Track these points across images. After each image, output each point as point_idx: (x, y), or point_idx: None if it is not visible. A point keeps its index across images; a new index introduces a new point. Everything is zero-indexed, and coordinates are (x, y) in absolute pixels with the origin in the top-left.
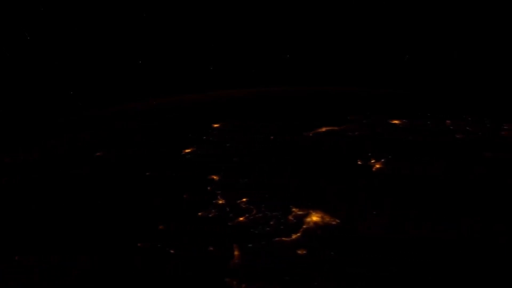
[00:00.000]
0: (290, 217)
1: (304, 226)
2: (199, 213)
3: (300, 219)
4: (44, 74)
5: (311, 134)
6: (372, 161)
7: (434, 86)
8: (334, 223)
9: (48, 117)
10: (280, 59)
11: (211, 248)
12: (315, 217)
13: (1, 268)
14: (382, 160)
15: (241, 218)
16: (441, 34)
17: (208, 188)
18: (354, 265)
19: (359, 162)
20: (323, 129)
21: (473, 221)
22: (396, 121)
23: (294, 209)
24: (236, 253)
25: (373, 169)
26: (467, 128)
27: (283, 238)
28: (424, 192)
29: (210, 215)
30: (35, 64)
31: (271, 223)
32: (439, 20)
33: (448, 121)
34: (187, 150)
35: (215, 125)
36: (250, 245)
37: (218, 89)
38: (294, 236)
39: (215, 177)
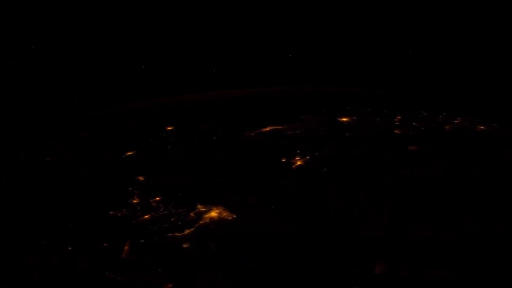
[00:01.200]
0: (192, 214)
1: (200, 222)
2: (110, 212)
3: (200, 216)
4: (44, 75)
5: (253, 134)
6: (297, 158)
7: (434, 85)
8: (230, 218)
9: (48, 117)
10: (280, 59)
11: (105, 244)
12: (213, 213)
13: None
14: (307, 157)
15: (146, 216)
16: (441, 34)
17: (129, 188)
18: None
19: (283, 160)
20: (268, 128)
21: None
22: (345, 119)
23: (199, 206)
24: (126, 248)
25: (293, 167)
26: (413, 123)
27: (176, 234)
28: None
29: (119, 214)
30: (35, 64)
31: (172, 220)
32: (439, 21)
33: (398, 117)
34: (128, 153)
35: (168, 128)
36: (142, 240)
37: (219, 89)
38: (186, 232)
39: (141, 178)
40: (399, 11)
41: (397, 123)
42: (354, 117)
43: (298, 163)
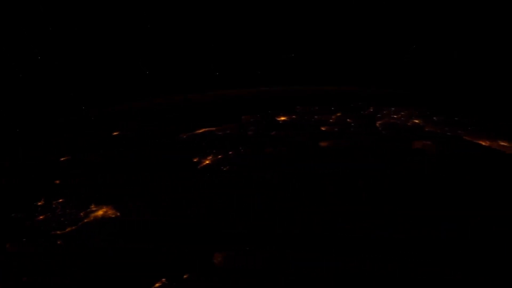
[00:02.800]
0: (81, 214)
1: (85, 220)
2: (13, 214)
3: (88, 214)
4: (45, 75)
5: (185, 136)
6: (209, 157)
7: (434, 85)
8: (113, 216)
9: (49, 117)
10: (279, 59)
11: None
12: (100, 212)
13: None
14: (219, 156)
15: (41, 217)
16: (441, 34)
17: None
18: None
19: (194, 160)
20: (201, 130)
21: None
22: (283, 118)
23: (91, 206)
24: (7, 245)
25: (199, 166)
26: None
27: (58, 232)
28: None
29: (18, 216)
30: (35, 65)
31: (62, 219)
32: (439, 21)
33: (338, 113)
34: (62, 158)
35: (114, 133)
36: (24, 239)
37: (222, 89)
38: (68, 229)
39: (57, 181)
40: (399, 11)
41: (331, 120)
42: (294, 116)
43: (206, 162)
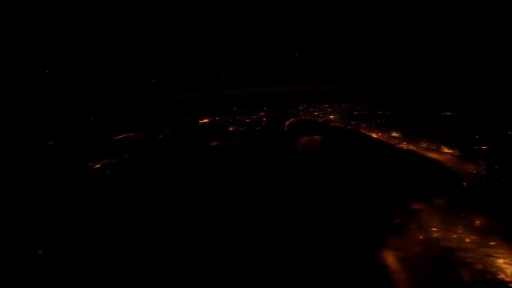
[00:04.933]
0: None
1: None
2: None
3: None
4: (47, 77)
5: (105, 144)
6: (104, 161)
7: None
8: None
9: (49, 118)
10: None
11: None
12: None
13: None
14: (105, 161)
15: None
16: (440, 34)
17: None
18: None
19: (90, 164)
20: (119, 136)
21: None
22: (205, 120)
23: None
24: None
25: (91, 169)
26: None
27: None
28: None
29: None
30: (37, 66)
31: None
32: (440, 21)
33: (261, 113)
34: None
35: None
36: None
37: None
38: None
39: None
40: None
41: (248, 120)
42: (217, 118)
43: (97, 166)
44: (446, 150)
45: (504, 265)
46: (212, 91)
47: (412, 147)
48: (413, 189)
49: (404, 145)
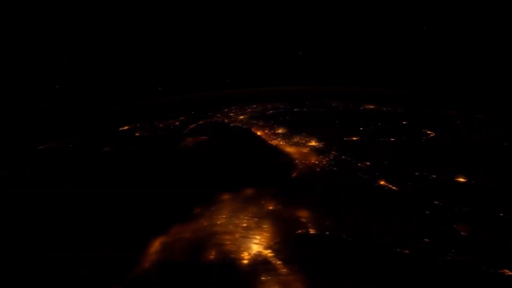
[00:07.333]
0: None
1: None
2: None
3: None
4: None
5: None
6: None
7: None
8: None
9: (50, 118)
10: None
11: None
12: None
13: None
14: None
15: None
16: (440, 34)
17: None
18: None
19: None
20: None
21: None
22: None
23: None
24: None
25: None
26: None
27: None
28: None
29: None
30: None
31: None
32: (440, 21)
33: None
34: None
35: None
36: None
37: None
38: None
39: None
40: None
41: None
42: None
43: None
44: (313, 143)
45: (253, 245)
46: (212, 91)
47: (280, 142)
48: (226, 181)
49: (274, 141)
